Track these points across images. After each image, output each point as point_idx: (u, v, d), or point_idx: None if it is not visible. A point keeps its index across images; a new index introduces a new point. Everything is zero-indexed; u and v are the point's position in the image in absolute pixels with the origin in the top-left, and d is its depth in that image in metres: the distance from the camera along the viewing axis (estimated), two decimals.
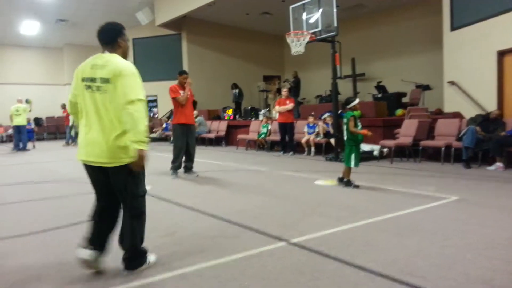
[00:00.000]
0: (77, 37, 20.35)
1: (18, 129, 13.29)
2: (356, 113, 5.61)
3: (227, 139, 13.69)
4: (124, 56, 2.74)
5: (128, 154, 2.48)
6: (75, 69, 2.67)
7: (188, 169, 6.99)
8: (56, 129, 20.07)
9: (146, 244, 2.81)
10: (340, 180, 5.61)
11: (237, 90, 15.83)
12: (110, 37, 2.70)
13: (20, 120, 13.22)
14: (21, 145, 13.39)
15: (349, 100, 5.58)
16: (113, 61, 2.54)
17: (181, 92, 6.80)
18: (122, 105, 2.42)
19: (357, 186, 5.42)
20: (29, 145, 14.60)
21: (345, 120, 5.53)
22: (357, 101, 5.55)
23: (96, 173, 2.63)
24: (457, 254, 2.89)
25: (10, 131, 15.47)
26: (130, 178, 2.60)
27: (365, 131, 5.47)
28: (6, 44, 19.99)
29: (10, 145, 15.06)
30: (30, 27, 18.07)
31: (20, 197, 5.54)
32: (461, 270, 2.60)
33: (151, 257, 2.83)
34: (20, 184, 6.68)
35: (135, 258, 2.72)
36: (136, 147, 2.44)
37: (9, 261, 3.02)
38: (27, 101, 14.24)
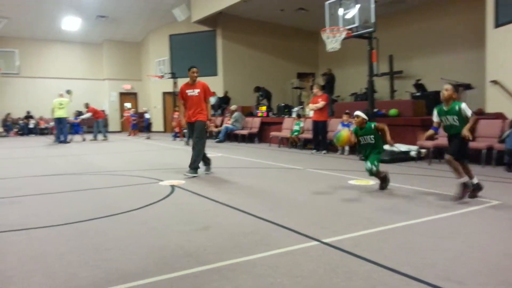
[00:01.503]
0: (116, 33, 20.96)
1: (59, 121, 13.85)
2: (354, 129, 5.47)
3: (260, 136, 13.72)
4: None
5: None
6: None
7: (207, 169, 6.84)
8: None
9: (179, 236, 2.83)
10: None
11: (260, 93, 15.79)
12: None
13: (62, 113, 13.76)
14: (62, 138, 13.95)
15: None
16: None
17: (188, 91, 6.62)
18: None
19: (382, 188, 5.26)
20: (79, 138, 15.22)
21: None
22: (356, 113, 5.39)
23: None
24: (498, 261, 2.77)
25: (52, 123, 16.12)
26: None
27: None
28: (48, 40, 20.84)
29: (52, 138, 15.68)
30: (71, 23, 18.76)
31: (59, 188, 5.76)
32: (501, 278, 2.49)
33: None
34: (59, 175, 6.96)
35: None
36: None
37: (47, 247, 3.16)
38: (68, 92, 14.77)
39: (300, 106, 14.19)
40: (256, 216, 4.01)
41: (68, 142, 14.04)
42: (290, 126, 12.01)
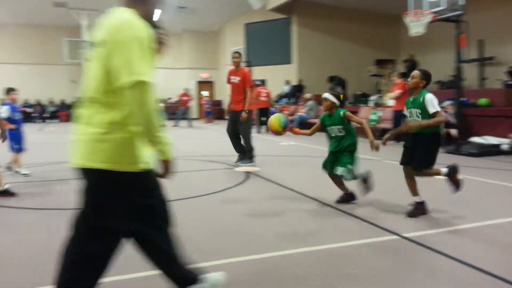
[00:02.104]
0: (194, 24, 21.69)
1: None
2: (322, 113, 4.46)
3: None
4: (148, 17, 1.79)
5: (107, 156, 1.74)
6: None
7: (239, 159, 6.48)
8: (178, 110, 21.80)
9: (252, 221, 2.86)
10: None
11: (334, 82, 15.35)
12: None
13: None
14: None
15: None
16: (116, 16, 1.69)
17: (232, 77, 6.45)
18: (117, 86, 1.62)
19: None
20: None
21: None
22: (324, 95, 4.39)
23: None
24: None
25: None
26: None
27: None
28: None
29: None
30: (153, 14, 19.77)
31: None
32: None
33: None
34: None
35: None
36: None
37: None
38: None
39: (378, 95, 13.65)
40: (331, 206, 3.96)
41: None
42: (366, 115, 11.60)
